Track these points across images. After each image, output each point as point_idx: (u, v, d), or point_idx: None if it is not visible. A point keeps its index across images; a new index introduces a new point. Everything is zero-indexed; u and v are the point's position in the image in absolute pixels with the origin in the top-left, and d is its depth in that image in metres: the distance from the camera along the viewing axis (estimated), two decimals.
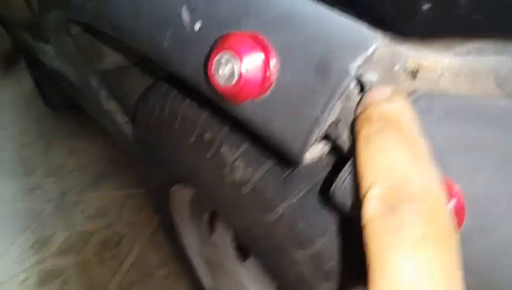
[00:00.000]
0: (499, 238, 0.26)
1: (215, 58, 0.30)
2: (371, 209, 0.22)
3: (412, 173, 0.22)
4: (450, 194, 0.26)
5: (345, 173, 0.31)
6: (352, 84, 0.29)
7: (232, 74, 0.29)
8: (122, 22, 0.42)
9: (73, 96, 1.73)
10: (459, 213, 0.26)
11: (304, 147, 0.30)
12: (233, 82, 0.29)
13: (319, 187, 0.51)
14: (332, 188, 0.32)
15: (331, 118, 0.30)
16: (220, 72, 0.30)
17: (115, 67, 1.09)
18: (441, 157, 0.27)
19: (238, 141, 0.57)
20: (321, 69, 0.28)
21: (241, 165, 0.56)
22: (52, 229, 2.11)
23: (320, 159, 0.34)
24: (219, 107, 0.36)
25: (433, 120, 0.27)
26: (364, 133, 0.25)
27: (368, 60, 0.27)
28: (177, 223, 1.04)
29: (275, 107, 0.31)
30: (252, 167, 0.55)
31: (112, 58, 1.04)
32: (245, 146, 0.56)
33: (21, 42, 2.26)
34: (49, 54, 1.47)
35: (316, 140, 0.30)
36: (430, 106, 0.28)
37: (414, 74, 0.29)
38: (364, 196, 0.23)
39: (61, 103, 3.04)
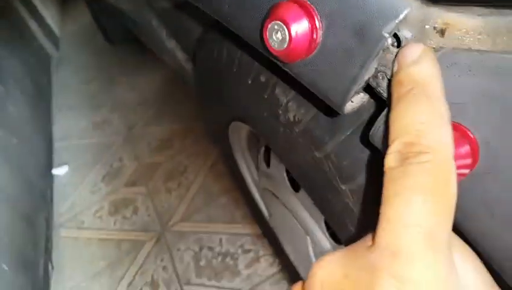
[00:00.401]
0: (507, 178, 0.31)
1: (268, 27, 0.36)
2: (388, 162, 0.27)
3: (427, 130, 0.26)
4: (467, 139, 0.32)
5: (381, 120, 0.37)
6: (390, 40, 0.34)
7: (283, 39, 0.35)
8: None
9: (134, 32, 1.80)
10: (473, 155, 0.32)
11: (344, 100, 0.36)
12: (285, 46, 0.35)
13: (363, 127, 0.56)
14: (370, 132, 0.38)
15: (367, 75, 0.35)
16: (274, 37, 0.36)
17: (173, 7, 1.13)
18: (461, 107, 0.32)
19: (291, 84, 0.62)
20: (359, 33, 0.34)
21: (294, 106, 0.62)
22: (121, 161, 2.28)
23: (361, 106, 0.40)
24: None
25: (458, 73, 0.32)
26: (396, 95, 0.29)
27: (400, 23, 0.32)
28: (236, 155, 1.13)
29: (320, 66, 0.37)
30: (303, 107, 0.61)
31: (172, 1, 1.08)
32: (297, 89, 0.62)
33: None
34: None
35: (355, 93, 0.36)
36: (456, 60, 0.32)
37: (442, 32, 0.33)
38: (387, 150, 0.27)
39: (121, 38, 3.09)
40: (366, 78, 0.35)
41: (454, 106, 0.32)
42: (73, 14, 4.37)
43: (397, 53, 0.33)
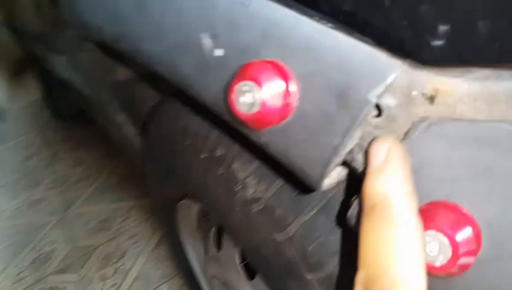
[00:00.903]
0: None
1: (236, 87, 0.31)
2: None
3: (389, 263, 0.25)
4: (468, 221, 0.27)
5: (359, 200, 0.32)
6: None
7: (253, 102, 0.30)
8: (141, 45, 0.43)
9: (82, 107, 1.74)
10: (475, 240, 0.27)
11: (323, 174, 0.32)
12: (254, 110, 0.30)
13: (331, 205, 0.51)
14: (348, 214, 0.33)
15: (350, 145, 0.31)
16: (241, 100, 0.31)
17: (126, 79, 1.09)
18: (456, 183, 0.27)
19: (250, 158, 0.57)
20: (341, 98, 0.30)
21: (253, 182, 0.57)
22: (54, 243, 2.07)
23: (339, 183, 0.35)
24: (234, 127, 0.37)
25: (448, 146, 0.28)
26: (363, 208, 0.28)
27: (387, 88, 0.28)
28: (183, 237, 1.04)
29: (295, 134, 0.32)
30: (264, 184, 0.55)
31: (124, 71, 1.05)
32: (257, 163, 0.57)
33: (32, 52, 2.28)
34: (61, 64, 1.49)
35: (334, 167, 0.32)
36: (445, 132, 0.28)
37: (432, 98, 0.30)
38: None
39: (69, 113, 3.04)
40: (348, 148, 0.31)
41: (447, 182, 0.28)
42: (23, 88, 4.26)
43: (368, 145, 0.29)
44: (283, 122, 0.32)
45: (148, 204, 1.95)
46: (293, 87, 0.31)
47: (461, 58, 0.28)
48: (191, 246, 1.06)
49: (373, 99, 0.28)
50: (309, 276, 0.48)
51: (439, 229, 0.27)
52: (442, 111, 0.30)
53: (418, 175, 0.29)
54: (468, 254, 0.26)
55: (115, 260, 1.80)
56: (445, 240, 0.27)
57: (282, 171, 0.54)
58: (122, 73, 1.08)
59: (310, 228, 0.50)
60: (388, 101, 0.31)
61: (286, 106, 0.31)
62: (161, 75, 0.42)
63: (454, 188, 0.28)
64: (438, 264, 0.27)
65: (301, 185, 0.52)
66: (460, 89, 0.29)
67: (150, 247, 1.81)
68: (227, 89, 0.32)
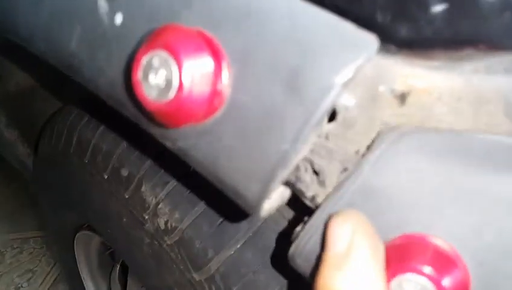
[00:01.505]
0: None
1: (143, 60, 0.20)
2: None
3: None
4: (450, 261, 0.20)
5: (306, 235, 0.23)
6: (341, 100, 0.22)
7: (168, 84, 0.20)
8: (18, 18, 0.31)
9: None
10: (463, 285, 0.20)
11: (263, 194, 0.22)
12: (168, 97, 0.20)
13: (260, 236, 0.42)
14: (291, 250, 0.24)
15: (302, 153, 0.21)
16: (150, 79, 0.20)
17: (17, 90, 0.95)
18: (435, 212, 0.21)
19: (164, 179, 0.47)
20: (292, 84, 0.21)
21: (166, 208, 0.46)
22: None
23: (279, 208, 0.26)
24: (144, 133, 0.27)
25: (425, 163, 0.21)
26: None
27: (358, 70, 0.19)
28: (83, 274, 0.90)
29: (225, 137, 0.22)
30: (179, 211, 0.45)
31: (14, 79, 0.90)
32: (172, 184, 0.47)
33: None
34: None
35: (280, 183, 0.22)
36: (421, 144, 0.21)
37: (403, 98, 0.23)
38: None
39: None
40: (299, 157, 0.21)
41: (425, 210, 0.21)
42: None
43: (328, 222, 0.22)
44: (210, 119, 0.22)
45: (45, 237, 1.78)
46: (225, 67, 0.21)
47: (450, 41, 0.21)
48: (93, 285, 0.92)
49: (339, 84, 0.19)
50: None
51: (421, 272, 0.20)
52: (414, 115, 0.22)
53: (387, 201, 0.21)
54: None
55: None
56: (429, 286, 0.20)
57: (204, 193, 0.44)
58: (12, 81, 0.94)
59: (235, 264, 0.41)
60: (346, 100, 0.22)
61: (214, 95, 0.21)
62: (42, 55, 0.30)
63: (433, 217, 0.21)
64: None
65: (226, 210, 0.42)
66: (440, 84, 0.22)
67: (47, 284, 1.64)
68: (130, 64, 0.22)
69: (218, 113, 0.22)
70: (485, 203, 0.20)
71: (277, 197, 0.24)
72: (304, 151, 0.22)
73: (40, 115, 0.87)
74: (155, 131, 0.25)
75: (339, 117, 0.23)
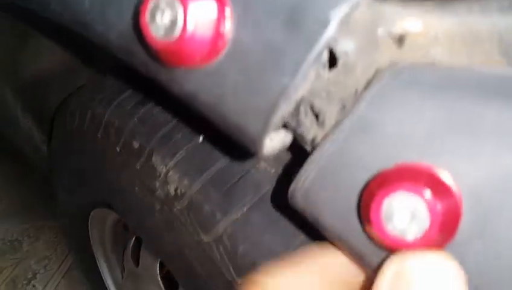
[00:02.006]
0: (506, 245, 0.20)
1: (151, 2, 0.22)
2: None
3: None
4: (444, 186, 0.20)
5: (307, 171, 0.24)
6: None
7: (173, 24, 0.21)
8: None
9: None
10: (452, 214, 0.20)
11: (265, 129, 0.23)
12: (174, 35, 0.21)
13: (265, 200, 0.43)
14: (291, 187, 0.25)
15: (302, 89, 0.22)
16: (157, 20, 0.22)
17: (33, 79, 0.96)
18: (432, 142, 0.21)
19: (173, 149, 0.48)
20: (291, 21, 0.22)
21: (175, 176, 0.48)
22: None
23: (279, 153, 0.27)
24: (153, 85, 0.28)
25: (421, 96, 0.22)
26: None
27: (355, 8, 0.20)
28: (97, 255, 0.92)
29: (229, 76, 0.23)
30: (188, 177, 0.46)
31: (31, 68, 0.92)
32: (181, 154, 0.48)
33: None
34: None
35: (282, 119, 0.23)
36: (417, 78, 0.22)
37: (401, 39, 0.23)
38: None
39: None
40: (300, 93, 0.22)
41: (421, 141, 0.21)
42: None
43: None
44: (214, 61, 0.23)
45: (61, 225, 1.82)
46: (228, 10, 0.23)
47: None
48: (106, 265, 0.93)
49: (335, 20, 0.20)
50: (240, 280, 0.39)
51: (414, 191, 0.20)
52: (412, 56, 0.23)
53: (384, 134, 0.22)
54: (447, 227, 0.20)
55: (24, 283, 1.64)
56: (421, 205, 0.20)
57: (210, 161, 0.45)
58: (28, 71, 0.95)
59: (242, 226, 0.42)
60: (345, 45, 0.23)
61: (218, 37, 0.22)
62: (56, 17, 0.31)
63: (429, 147, 0.21)
64: (410, 237, 0.20)
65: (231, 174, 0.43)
66: (436, 25, 0.23)
67: (63, 269, 1.66)
68: (139, 10, 0.23)
69: (222, 55, 0.23)
70: (481, 134, 0.20)
71: (279, 139, 0.25)
72: (303, 87, 0.23)
73: (55, 101, 0.88)
74: (163, 76, 0.26)
75: (339, 63, 0.24)
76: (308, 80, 0.22)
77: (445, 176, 0.20)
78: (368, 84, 0.23)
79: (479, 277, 0.20)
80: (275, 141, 0.25)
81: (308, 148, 0.26)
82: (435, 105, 0.21)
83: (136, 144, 0.52)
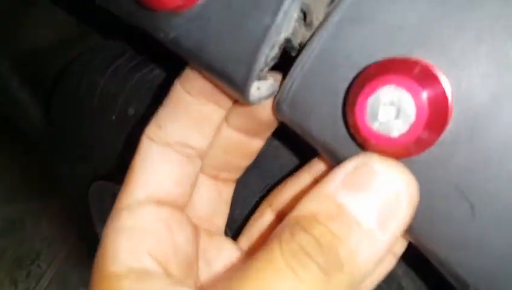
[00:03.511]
0: (494, 146, 0.20)
1: None
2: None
3: None
4: (433, 80, 0.19)
5: (294, 73, 0.23)
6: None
7: None
8: None
9: None
10: (440, 111, 0.20)
11: (250, 72, 0.23)
12: None
13: (261, 162, 0.44)
14: (277, 98, 0.25)
15: (285, 30, 0.23)
16: None
17: (32, 50, 0.96)
18: (423, 31, 0.20)
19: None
20: None
21: None
22: None
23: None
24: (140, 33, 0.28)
25: None
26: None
27: None
28: (98, 229, 0.91)
29: (212, 19, 0.24)
30: None
31: (30, 39, 0.91)
32: None
33: None
34: None
35: (267, 63, 0.23)
36: None
37: None
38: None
39: None
40: (283, 34, 0.22)
41: (411, 32, 0.20)
42: None
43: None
44: (197, 3, 0.23)
45: (63, 203, 1.79)
46: None
47: None
48: None
49: None
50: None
51: (401, 84, 0.19)
52: None
53: (375, 26, 0.21)
54: (434, 126, 0.19)
55: (28, 263, 1.67)
56: (407, 98, 0.19)
57: None
58: (28, 40, 0.94)
59: (238, 188, 0.43)
60: None
61: None
62: None
63: (421, 39, 0.20)
64: (395, 133, 0.19)
65: None
66: None
67: (66, 249, 1.69)
68: None
69: None
70: (480, 24, 0.19)
71: (265, 87, 0.25)
72: (286, 28, 0.22)
73: (53, 72, 0.88)
74: (149, 23, 0.26)
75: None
76: (291, 18, 0.22)
77: (435, 70, 0.20)
78: None
79: (463, 181, 0.20)
80: (263, 90, 0.25)
81: (295, 53, 0.25)
82: None
83: (131, 110, 0.53)
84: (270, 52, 0.23)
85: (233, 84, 0.24)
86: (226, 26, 0.23)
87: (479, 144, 0.19)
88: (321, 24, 0.23)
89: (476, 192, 0.20)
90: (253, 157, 0.35)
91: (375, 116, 0.20)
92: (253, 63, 0.23)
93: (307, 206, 0.22)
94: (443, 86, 0.20)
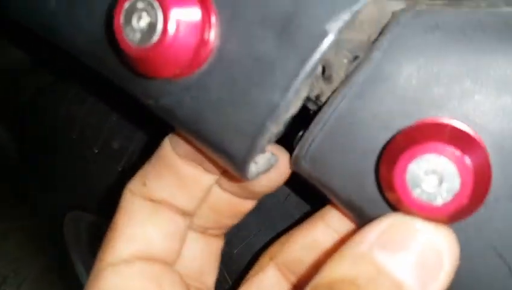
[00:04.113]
0: None
1: (127, 4, 0.20)
2: None
3: None
4: (473, 142, 0.19)
5: (313, 132, 0.22)
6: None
7: (151, 28, 0.20)
8: None
9: None
10: (483, 172, 0.19)
11: (251, 150, 0.22)
12: (153, 41, 0.20)
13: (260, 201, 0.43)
14: (295, 153, 0.24)
15: (293, 108, 0.21)
16: (133, 23, 0.20)
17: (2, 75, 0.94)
18: (453, 91, 0.20)
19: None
20: (284, 32, 0.21)
21: None
22: None
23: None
24: (133, 98, 0.27)
25: (442, 41, 0.20)
26: None
27: (354, 16, 0.19)
28: (74, 258, 0.91)
29: (213, 89, 0.22)
30: None
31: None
32: None
33: None
34: None
35: (270, 140, 0.22)
36: (437, 22, 0.20)
37: None
38: None
39: None
40: (291, 112, 0.21)
41: (445, 93, 0.20)
42: None
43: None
44: (196, 72, 0.22)
45: (31, 225, 1.72)
46: (213, 17, 0.21)
47: None
48: (83, 266, 0.93)
49: (333, 32, 0.19)
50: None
51: (441, 152, 0.18)
52: None
53: (401, 87, 0.20)
54: (478, 192, 0.19)
55: None
56: (451, 167, 0.18)
57: None
58: None
59: (236, 228, 0.43)
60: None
61: (201, 44, 0.21)
62: (19, 19, 0.30)
63: (452, 100, 0.20)
64: (438, 202, 0.19)
65: None
66: None
67: (35, 272, 1.64)
68: (113, 11, 0.21)
69: (205, 66, 0.22)
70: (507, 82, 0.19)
71: (264, 161, 0.24)
72: (295, 105, 0.21)
73: (25, 98, 0.86)
74: (137, 87, 0.24)
75: (333, 72, 0.23)
76: (301, 97, 0.21)
77: (470, 130, 0.19)
78: (384, 29, 0.21)
79: (501, 243, 0.20)
80: (260, 164, 0.24)
81: (312, 106, 0.24)
82: (458, 52, 0.20)
83: (116, 144, 0.51)
84: (275, 129, 0.21)
85: (231, 160, 0.23)
86: (227, 99, 0.22)
87: None
88: (344, 82, 0.22)
89: None
90: (243, 216, 0.34)
91: (417, 184, 0.19)
92: (257, 140, 0.21)
93: (338, 269, 0.20)
94: (486, 152, 0.19)
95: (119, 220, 0.29)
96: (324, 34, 0.20)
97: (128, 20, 0.20)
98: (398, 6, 0.21)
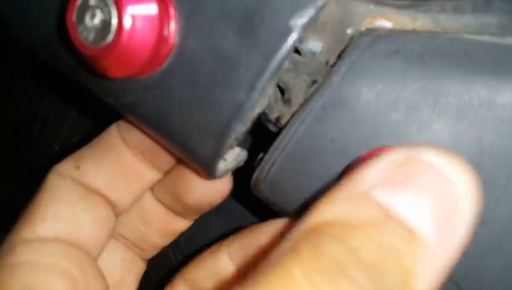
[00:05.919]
0: (488, 235, 0.19)
1: (78, 1, 0.19)
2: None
3: None
4: None
5: (273, 155, 0.22)
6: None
7: (105, 26, 0.19)
8: None
9: None
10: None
11: (219, 150, 0.21)
12: (108, 39, 0.19)
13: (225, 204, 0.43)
14: (254, 176, 0.23)
15: (259, 106, 0.21)
16: (87, 21, 0.19)
17: None
18: (416, 117, 0.19)
19: None
20: (247, 28, 0.20)
21: None
22: None
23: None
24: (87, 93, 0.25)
25: (402, 66, 0.20)
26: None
27: (319, 11, 0.19)
28: None
29: (176, 88, 0.21)
30: None
31: None
32: None
33: None
34: None
35: (237, 139, 0.21)
36: (397, 47, 0.20)
37: None
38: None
39: None
40: (256, 110, 0.21)
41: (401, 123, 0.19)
42: None
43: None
44: (157, 70, 0.21)
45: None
46: (172, 12, 0.20)
47: None
48: None
49: (298, 27, 0.19)
50: None
51: None
52: None
53: (360, 113, 0.20)
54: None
55: None
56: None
57: None
58: None
59: (200, 229, 0.42)
60: (312, 45, 0.22)
61: (160, 41, 0.20)
62: None
63: (412, 128, 0.19)
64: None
65: None
66: (407, 25, 0.22)
67: None
68: (66, 8, 0.20)
69: (166, 64, 0.21)
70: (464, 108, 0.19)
71: (232, 158, 0.23)
72: (261, 104, 0.21)
73: None
74: (97, 86, 0.23)
75: (305, 59, 0.22)
76: (266, 95, 0.20)
77: None
78: (342, 54, 0.21)
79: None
80: (229, 161, 0.23)
81: (272, 128, 0.24)
82: (416, 75, 0.19)
83: (75, 140, 0.50)
84: (241, 128, 0.21)
85: (198, 160, 0.22)
86: (191, 99, 0.21)
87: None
88: (303, 106, 0.21)
89: None
90: (172, 239, 0.32)
91: None
92: (224, 140, 0.21)
93: (331, 210, 0.15)
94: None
95: (42, 198, 0.26)
96: (289, 31, 0.19)
97: (81, 18, 0.19)
98: (360, 6, 0.21)
